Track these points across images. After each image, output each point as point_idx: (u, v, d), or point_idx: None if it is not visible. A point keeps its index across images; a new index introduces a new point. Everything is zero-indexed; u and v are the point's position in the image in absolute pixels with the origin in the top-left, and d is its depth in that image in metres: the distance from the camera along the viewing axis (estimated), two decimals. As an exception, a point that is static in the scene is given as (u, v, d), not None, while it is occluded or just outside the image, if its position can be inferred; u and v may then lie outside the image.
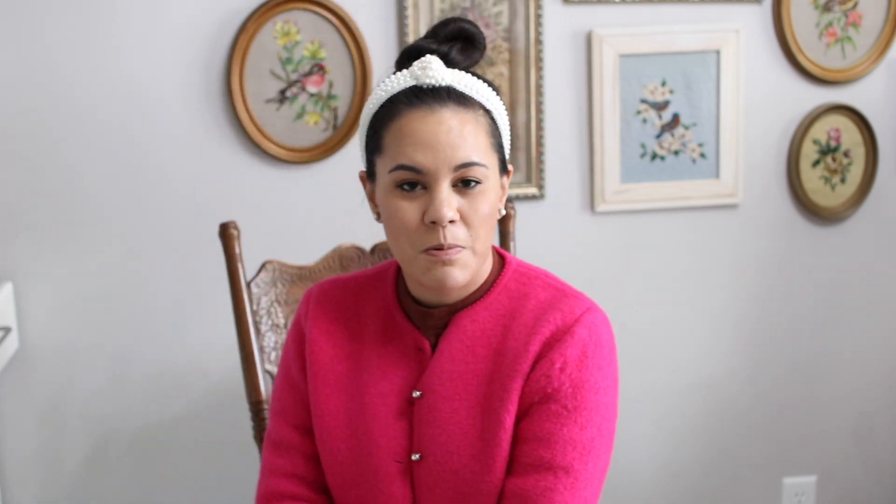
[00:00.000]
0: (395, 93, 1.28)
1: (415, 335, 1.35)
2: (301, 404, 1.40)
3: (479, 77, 1.31)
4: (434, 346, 1.35)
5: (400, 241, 1.28)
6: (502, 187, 1.33)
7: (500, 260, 1.39)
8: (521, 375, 1.29)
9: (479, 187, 1.25)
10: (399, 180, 1.25)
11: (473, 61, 1.31)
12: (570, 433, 1.27)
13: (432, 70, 1.26)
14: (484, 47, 1.32)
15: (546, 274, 1.38)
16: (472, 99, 1.27)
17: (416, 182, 1.25)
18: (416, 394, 1.32)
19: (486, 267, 1.35)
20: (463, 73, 1.29)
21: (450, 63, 1.29)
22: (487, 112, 1.29)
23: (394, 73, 1.31)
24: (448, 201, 1.24)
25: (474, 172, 1.25)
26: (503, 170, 1.32)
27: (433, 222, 1.24)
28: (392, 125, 1.26)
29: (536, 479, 1.26)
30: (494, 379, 1.30)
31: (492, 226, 1.29)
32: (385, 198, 1.28)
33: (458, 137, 1.24)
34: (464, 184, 1.25)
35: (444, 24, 1.31)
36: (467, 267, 1.27)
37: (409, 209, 1.25)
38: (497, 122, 1.30)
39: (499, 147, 1.30)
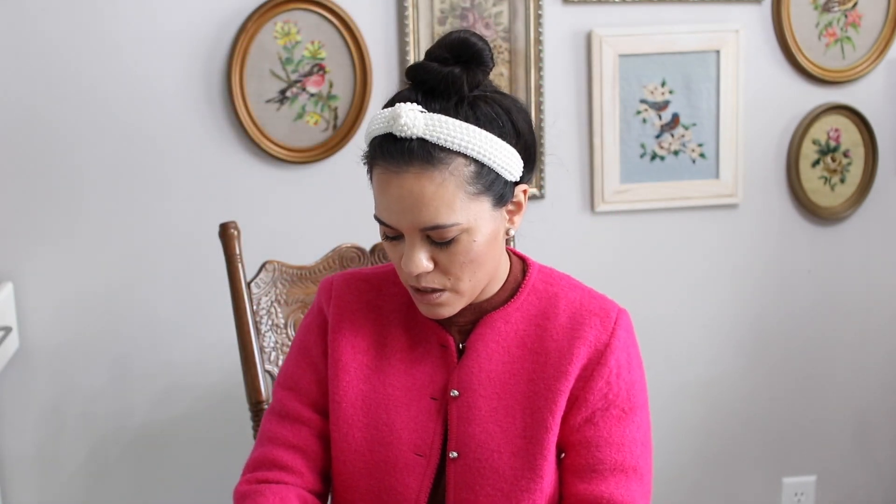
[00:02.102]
0: (375, 135, 1.26)
1: (438, 332, 1.37)
2: (319, 385, 1.41)
3: (475, 111, 1.25)
4: (459, 345, 1.37)
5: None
6: (515, 207, 1.32)
7: (521, 262, 1.41)
8: (568, 377, 1.32)
9: (452, 241, 1.25)
10: (381, 227, 1.29)
11: (476, 83, 1.26)
12: (632, 434, 1.34)
13: (402, 122, 1.21)
14: (488, 65, 1.27)
15: (566, 275, 1.41)
16: (445, 151, 1.22)
17: (394, 231, 1.27)
18: (454, 393, 1.34)
19: (504, 270, 1.37)
20: (440, 117, 1.22)
21: (451, 86, 1.24)
22: (468, 158, 1.23)
23: (388, 104, 1.27)
24: (416, 259, 1.25)
25: (441, 234, 1.24)
26: (501, 202, 1.29)
27: None
28: (373, 170, 1.27)
29: (616, 483, 1.31)
30: (536, 379, 1.33)
31: (481, 263, 1.28)
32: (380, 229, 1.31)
33: (420, 203, 1.22)
34: (434, 240, 1.25)
35: (459, 41, 1.25)
36: (452, 304, 1.31)
37: (394, 252, 1.29)
38: (484, 161, 1.24)
39: (487, 187, 1.25)
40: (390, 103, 1.27)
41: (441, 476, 1.35)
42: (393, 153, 1.23)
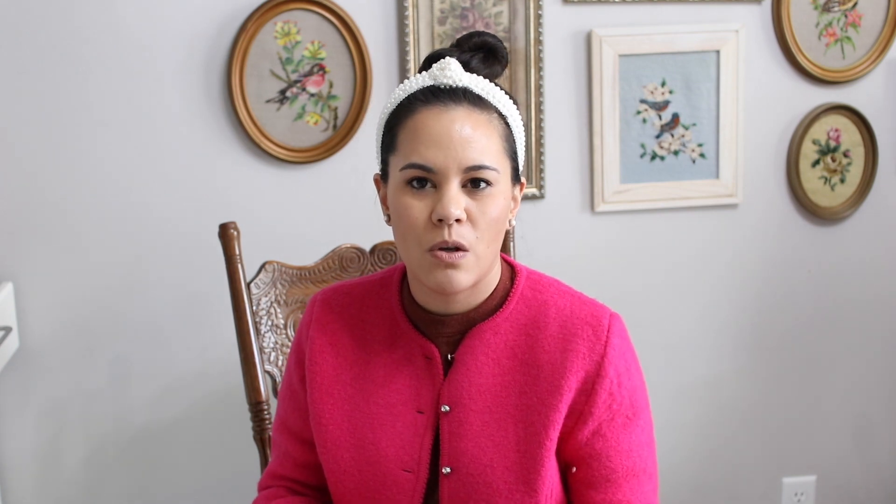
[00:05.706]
0: (412, 91, 1.29)
1: (422, 343, 1.35)
2: (298, 413, 1.42)
3: (497, 85, 1.32)
4: (446, 357, 1.35)
5: (407, 239, 1.28)
6: (514, 199, 1.33)
7: (510, 268, 1.39)
8: (563, 391, 1.30)
9: (488, 189, 1.26)
10: (409, 178, 1.26)
11: (494, 73, 1.33)
12: (638, 438, 1.34)
13: (450, 70, 1.28)
14: (506, 61, 1.34)
15: (555, 280, 1.40)
16: (488, 102, 1.29)
17: (426, 180, 1.26)
18: (445, 408, 1.32)
19: (495, 275, 1.35)
20: (480, 77, 1.30)
21: (470, 70, 1.31)
22: (503, 117, 1.30)
23: (423, 67, 1.33)
24: (455, 200, 1.24)
25: (483, 175, 1.25)
26: (516, 179, 1.33)
27: (440, 220, 1.24)
28: (407, 122, 1.28)
29: (631, 488, 1.33)
30: (528, 392, 1.31)
31: (499, 231, 1.29)
32: (395, 196, 1.29)
33: (470, 138, 1.25)
34: (473, 184, 1.26)
35: (469, 36, 1.34)
36: (471, 271, 1.27)
37: (418, 207, 1.26)
38: (512, 129, 1.31)
39: (512, 154, 1.31)
40: (425, 66, 1.33)
41: (433, 492, 1.34)
42: (441, 96, 1.27)
